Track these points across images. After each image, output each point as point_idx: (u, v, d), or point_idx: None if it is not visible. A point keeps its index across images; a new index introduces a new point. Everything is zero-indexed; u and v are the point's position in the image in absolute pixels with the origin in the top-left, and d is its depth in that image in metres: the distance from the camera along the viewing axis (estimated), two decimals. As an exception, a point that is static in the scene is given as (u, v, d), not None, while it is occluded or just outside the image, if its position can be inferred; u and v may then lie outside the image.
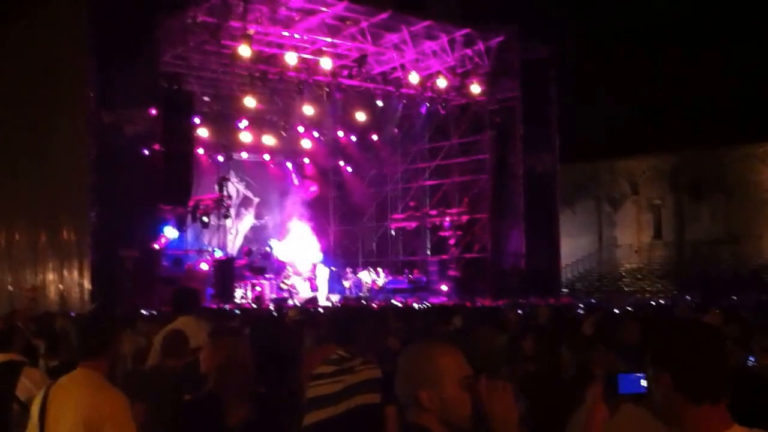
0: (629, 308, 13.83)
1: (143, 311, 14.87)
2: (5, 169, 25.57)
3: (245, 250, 29.29)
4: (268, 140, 30.26)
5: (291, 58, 24.41)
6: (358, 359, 4.73)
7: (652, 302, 19.30)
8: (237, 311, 16.36)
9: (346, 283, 29.11)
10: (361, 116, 29.45)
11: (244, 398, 4.25)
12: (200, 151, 27.51)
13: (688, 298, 12.80)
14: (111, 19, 20.23)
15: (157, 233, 22.53)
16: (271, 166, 32.25)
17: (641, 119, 40.48)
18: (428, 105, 28.89)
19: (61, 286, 22.47)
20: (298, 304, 21.79)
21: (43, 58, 23.29)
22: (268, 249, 30.29)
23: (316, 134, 31.28)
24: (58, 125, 22.76)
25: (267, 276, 27.81)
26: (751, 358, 5.90)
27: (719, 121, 36.81)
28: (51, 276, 23.04)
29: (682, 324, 2.97)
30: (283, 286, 27.40)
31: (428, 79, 27.60)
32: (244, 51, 22.98)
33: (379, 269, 29.70)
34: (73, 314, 12.31)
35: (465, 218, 29.47)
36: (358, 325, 5.15)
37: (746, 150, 38.63)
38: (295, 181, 32.96)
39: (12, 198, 25.52)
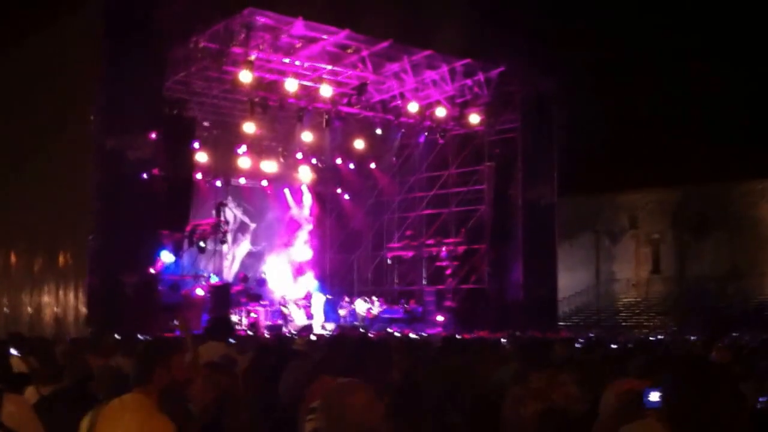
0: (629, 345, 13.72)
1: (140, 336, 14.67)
2: (4, 191, 25.49)
3: (241, 276, 29.18)
4: (267, 166, 30.25)
5: (291, 85, 24.47)
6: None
7: (651, 338, 19.20)
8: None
9: (342, 312, 28.96)
10: (359, 144, 29.48)
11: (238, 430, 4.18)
12: (198, 175, 27.40)
13: (693, 338, 12.73)
14: (117, 46, 20.27)
15: (154, 258, 22.43)
16: (269, 192, 32.19)
17: (642, 153, 40.55)
18: (427, 134, 28.94)
19: (56, 310, 22.33)
20: (294, 332, 21.67)
21: (48, 82, 23.31)
22: (263, 275, 30.22)
23: (314, 161, 31.26)
24: (59, 149, 22.73)
25: (262, 302, 27.69)
26: (761, 399, 5.80)
27: (722, 156, 36.87)
28: (47, 299, 22.91)
29: (686, 365, 3.00)
30: (284, 309, 27.28)
31: (427, 108, 27.69)
32: (245, 77, 23.06)
33: (374, 298, 29.55)
34: (69, 339, 12.11)
35: (462, 248, 29.36)
36: (363, 357, 5.05)
37: (749, 185, 38.66)
38: (293, 208, 32.88)
39: (10, 220, 25.43)
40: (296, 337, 11.82)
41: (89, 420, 4.22)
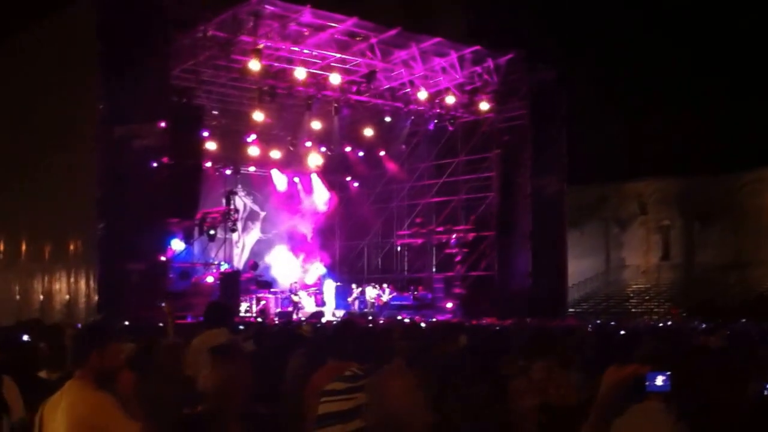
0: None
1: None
2: (14, 180, 25.62)
3: (251, 264, 29.28)
4: (276, 154, 30.32)
5: (300, 73, 24.47)
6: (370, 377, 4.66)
7: (660, 324, 19.21)
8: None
9: (351, 299, 29.08)
10: (368, 132, 29.48)
11: (240, 418, 4.24)
12: (208, 164, 27.50)
13: (703, 325, 12.72)
14: (122, 34, 20.28)
15: (164, 246, 22.50)
16: (278, 180, 32.24)
17: (652, 142, 40.43)
18: (436, 122, 28.91)
19: (67, 297, 22.48)
20: (303, 319, 21.78)
21: (55, 71, 23.36)
22: (267, 263, 30.30)
23: (323, 149, 31.28)
24: (67, 138, 22.81)
25: (272, 290, 27.82)
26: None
27: (731, 144, 36.74)
28: (57, 286, 23.06)
29: (692, 351, 3.04)
30: (294, 297, 27.41)
31: (437, 95, 27.66)
32: (254, 65, 23.05)
33: (384, 285, 29.63)
34: (79, 326, 12.24)
35: (471, 236, 29.37)
36: (367, 343, 5.11)
37: (757, 174, 38.47)
38: (302, 196, 32.95)
39: (20, 208, 25.56)
40: (304, 324, 11.88)
41: (39, 415, 4.34)
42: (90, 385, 4.31)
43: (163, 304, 18.41)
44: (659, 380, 2.93)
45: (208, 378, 4.44)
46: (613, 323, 20.50)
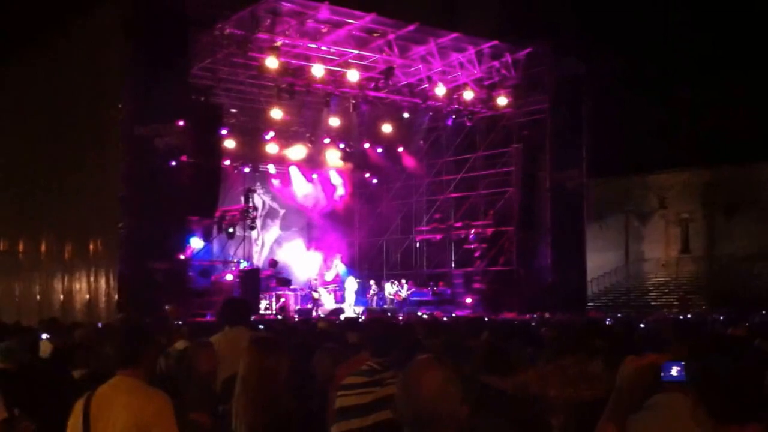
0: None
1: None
2: (35, 180, 25.81)
3: (270, 262, 29.34)
4: (294, 152, 30.37)
5: (318, 70, 24.51)
6: (389, 372, 4.69)
7: (680, 317, 19.11)
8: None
9: (369, 295, 29.11)
10: (387, 128, 29.47)
11: (271, 410, 4.26)
12: (227, 162, 27.58)
13: (721, 318, 12.65)
14: (145, 34, 20.42)
15: (184, 244, 22.61)
16: (297, 177, 32.29)
17: (672, 133, 40.15)
18: (454, 117, 28.87)
19: (87, 296, 22.64)
20: (323, 315, 21.84)
21: (80, 73, 23.53)
22: (285, 260, 30.34)
23: (342, 146, 31.31)
24: (88, 138, 22.97)
25: (291, 287, 27.88)
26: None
27: (751, 135, 36.40)
28: (78, 285, 23.22)
29: (713, 342, 3.02)
30: (313, 294, 27.48)
31: (455, 91, 27.62)
32: (272, 63, 23.11)
33: (403, 281, 29.63)
34: (100, 324, 12.33)
35: (490, 231, 29.32)
36: (390, 339, 5.12)
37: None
38: (320, 193, 32.99)
39: (40, 209, 25.75)
40: (321, 320, 11.89)
41: (82, 407, 4.30)
42: (145, 383, 4.37)
43: (167, 307, 18.53)
44: (674, 370, 2.92)
45: (247, 368, 4.46)
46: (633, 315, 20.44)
